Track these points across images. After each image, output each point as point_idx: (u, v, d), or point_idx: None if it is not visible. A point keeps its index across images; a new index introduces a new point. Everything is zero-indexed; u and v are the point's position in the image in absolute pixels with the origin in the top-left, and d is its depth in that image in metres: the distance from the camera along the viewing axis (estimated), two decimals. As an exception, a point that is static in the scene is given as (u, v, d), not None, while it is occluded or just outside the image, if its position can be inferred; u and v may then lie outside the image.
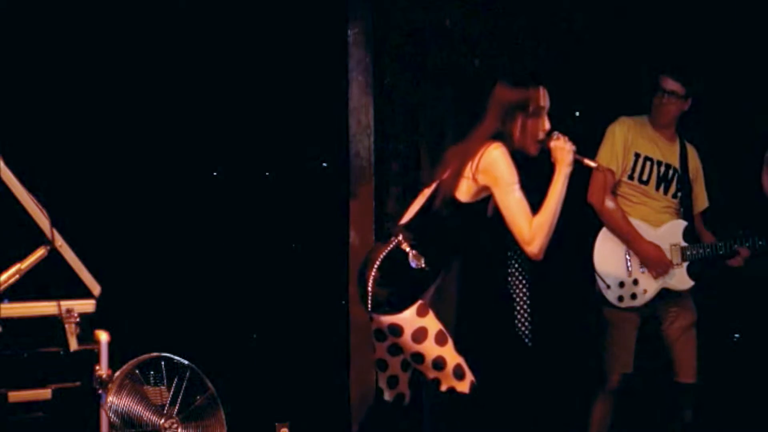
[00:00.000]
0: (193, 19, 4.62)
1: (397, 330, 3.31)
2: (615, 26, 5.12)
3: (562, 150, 3.31)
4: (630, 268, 4.23)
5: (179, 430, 3.98)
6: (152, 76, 4.52)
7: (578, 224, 4.42)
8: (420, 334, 3.28)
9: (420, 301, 3.31)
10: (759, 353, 5.00)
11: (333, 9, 4.80)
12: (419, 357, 3.31)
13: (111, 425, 3.67)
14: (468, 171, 3.30)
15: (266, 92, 4.89)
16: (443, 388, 3.30)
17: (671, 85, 4.21)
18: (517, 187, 3.22)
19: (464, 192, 3.32)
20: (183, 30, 4.59)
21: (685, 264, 4.20)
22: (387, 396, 3.48)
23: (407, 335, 3.29)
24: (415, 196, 5.05)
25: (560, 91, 5.24)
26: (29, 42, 4.25)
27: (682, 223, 4.25)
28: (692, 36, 4.92)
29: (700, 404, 4.45)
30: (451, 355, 3.29)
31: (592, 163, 3.39)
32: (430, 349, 3.27)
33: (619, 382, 4.24)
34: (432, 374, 3.31)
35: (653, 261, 4.17)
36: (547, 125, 3.37)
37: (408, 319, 3.28)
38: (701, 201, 4.41)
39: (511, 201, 3.23)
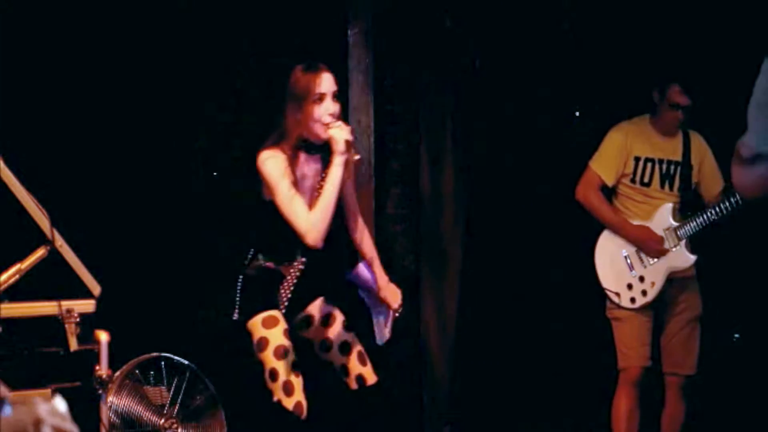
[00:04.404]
0: (193, 19, 4.62)
1: (249, 336, 3.49)
2: (615, 27, 5.12)
3: (335, 139, 3.34)
4: (632, 267, 4.27)
5: (179, 430, 3.99)
6: (153, 77, 4.52)
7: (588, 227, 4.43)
8: (262, 344, 3.43)
9: (269, 312, 3.44)
10: (759, 353, 5.00)
11: (333, 9, 4.80)
12: (261, 365, 3.45)
13: (111, 425, 3.68)
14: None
15: (266, 92, 4.89)
16: (275, 399, 3.41)
17: (682, 99, 4.22)
18: (281, 189, 3.35)
19: (264, 192, 3.50)
20: (183, 31, 4.59)
21: (683, 242, 4.23)
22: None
23: (254, 343, 3.46)
24: (415, 196, 5.07)
25: (560, 91, 5.28)
26: (29, 42, 4.25)
27: (668, 206, 4.27)
28: (694, 39, 4.91)
29: (700, 404, 4.45)
30: (284, 371, 3.40)
31: (355, 156, 3.41)
32: (267, 359, 3.41)
33: (639, 376, 4.26)
34: (269, 384, 3.43)
35: (643, 241, 4.22)
36: (331, 109, 3.39)
37: (252, 327, 3.46)
38: (714, 183, 4.36)
39: (281, 200, 3.36)
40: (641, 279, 4.26)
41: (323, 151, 3.47)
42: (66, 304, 2.98)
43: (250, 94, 4.83)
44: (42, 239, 3.03)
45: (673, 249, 4.23)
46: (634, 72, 4.88)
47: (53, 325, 2.97)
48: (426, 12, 4.95)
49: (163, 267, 4.53)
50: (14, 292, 2.98)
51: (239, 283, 3.53)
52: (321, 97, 3.39)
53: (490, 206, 5.24)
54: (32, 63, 4.23)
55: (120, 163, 4.46)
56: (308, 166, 3.48)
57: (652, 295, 4.25)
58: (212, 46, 4.66)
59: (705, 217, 4.17)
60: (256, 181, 3.53)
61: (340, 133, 3.34)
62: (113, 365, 3.07)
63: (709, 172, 4.37)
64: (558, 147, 5.22)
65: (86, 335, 3.02)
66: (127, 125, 4.48)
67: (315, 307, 3.61)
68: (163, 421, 3.95)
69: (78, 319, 2.99)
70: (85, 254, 3.13)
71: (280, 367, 3.39)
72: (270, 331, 3.42)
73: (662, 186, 4.30)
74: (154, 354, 4.01)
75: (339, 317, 3.63)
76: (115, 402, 3.82)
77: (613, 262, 4.32)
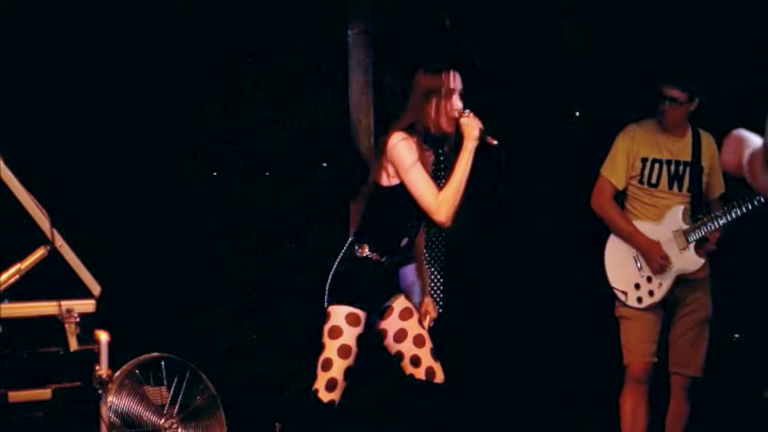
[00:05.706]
0: (193, 19, 4.62)
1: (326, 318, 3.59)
2: (616, 28, 5.12)
3: (469, 126, 3.58)
4: (641, 268, 4.28)
5: (179, 430, 3.99)
6: (153, 77, 4.52)
7: (597, 229, 4.44)
8: (334, 332, 3.53)
9: (357, 310, 3.54)
10: (759, 353, 5.00)
11: (333, 9, 4.81)
12: (322, 347, 3.56)
13: (111, 425, 3.68)
14: (385, 160, 3.61)
15: (266, 92, 4.89)
16: (314, 387, 3.54)
17: (671, 92, 4.25)
18: (416, 166, 3.53)
19: (385, 178, 3.60)
20: (183, 30, 4.60)
21: (692, 245, 4.24)
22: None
23: (326, 326, 3.56)
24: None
25: (560, 91, 5.28)
26: (30, 42, 4.25)
27: (680, 208, 4.28)
28: (691, 38, 4.91)
29: (700, 404, 4.45)
30: (338, 369, 3.51)
31: (493, 141, 3.59)
32: (329, 349, 3.52)
33: (643, 372, 4.27)
34: (317, 370, 3.55)
35: (650, 255, 4.23)
36: (459, 105, 3.62)
37: (334, 312, 3.56)
38: (717, 186, 4.40)
39: (413, 179, 3.54)
40: (649, 279, 4.27)
41: (437, 144, 3.70)
42: (66, 304, 2.98)
43: (250, 94, 4.83)
44: (42, 239, 3.03)
45: (683, 251, 4.24)
46: (636, 72, 4.88)
47: (53, 325, 2.97)
48: (426, 12, 4.95)
49: (163, 267, 4.53)
50: (14, 292, 2.98)
51: (336, 269, 3.63)
52: (451, 93, 3.61)
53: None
54: (33, 63, 4.23)
55: (120, 163, 4.46)
56: (426, 157, 3.65)
57: (659, 295, 4.26)
58: (212, 46, 4.66)
59: (716, 223, 4.18)
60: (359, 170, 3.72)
61: (473, 122, 3.58)
62: (113, 365, 3.06)
63: (715, 175, 4.39)
64: (558, 147, 5.22)
65: (86, 335, 3.02)
66: (128, 125, 4.49)
67: (396, 301, 3.72)
68: (163, 421, 3.95)
69: (78, 319, 2.99)
70: (85, 254, 3.13)
71: (336, 363, 3.51)
72: (348, 327, 3.54)
73: (670, 187, 4.30)
74: (154, 354, 4.01)
75: (416, 314, 3.75)
76: (115, 402, 3.83)
77: (622, 262, 4.34)
